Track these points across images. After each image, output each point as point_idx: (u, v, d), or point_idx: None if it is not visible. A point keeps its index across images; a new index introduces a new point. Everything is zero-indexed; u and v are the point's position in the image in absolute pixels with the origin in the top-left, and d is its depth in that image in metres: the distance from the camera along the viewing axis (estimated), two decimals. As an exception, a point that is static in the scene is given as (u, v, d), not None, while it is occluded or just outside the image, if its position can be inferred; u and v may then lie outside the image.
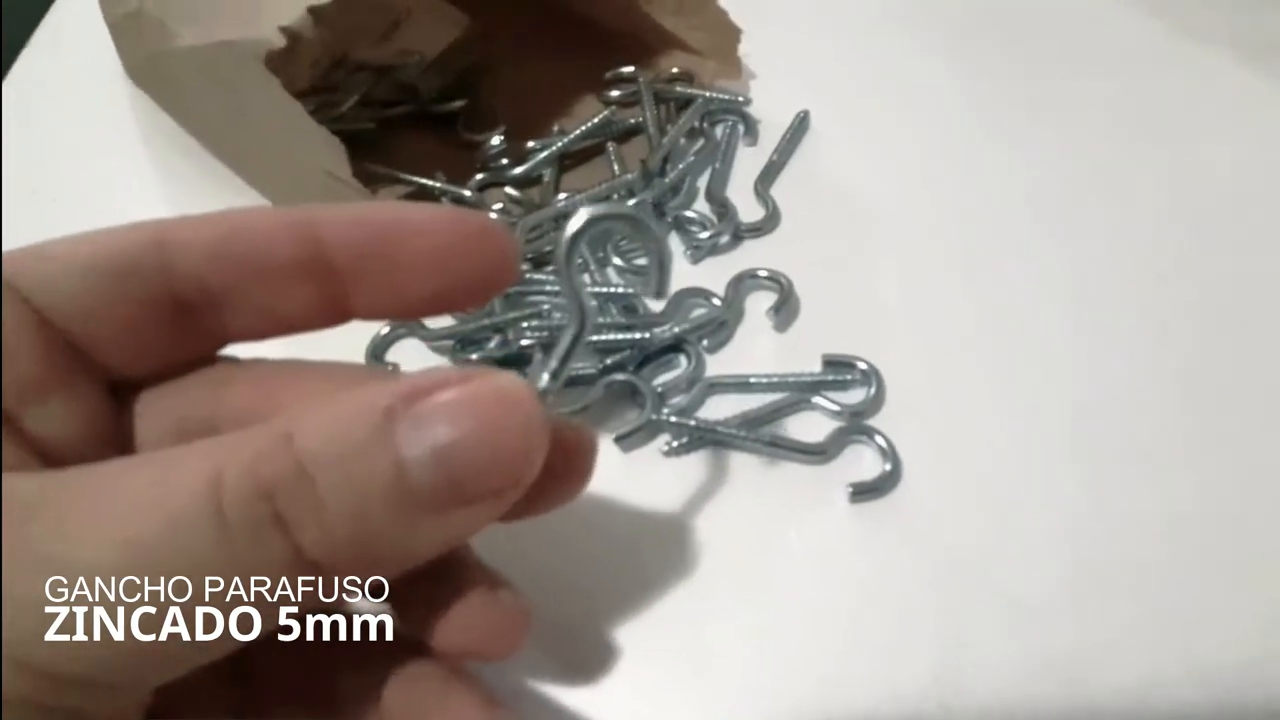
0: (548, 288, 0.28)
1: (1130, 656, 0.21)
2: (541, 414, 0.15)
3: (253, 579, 0.14)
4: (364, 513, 0.14)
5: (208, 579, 0.13)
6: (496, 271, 0.17)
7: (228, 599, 0.13)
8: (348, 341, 0.19)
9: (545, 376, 0.16)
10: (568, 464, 0.17)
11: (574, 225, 0.16)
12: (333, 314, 0.17)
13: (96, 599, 0.13)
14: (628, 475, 0.24)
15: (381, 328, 0.27)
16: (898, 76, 0.34)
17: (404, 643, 0.18)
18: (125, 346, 0.17)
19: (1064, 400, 0.26)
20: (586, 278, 0.28)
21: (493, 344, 0.26)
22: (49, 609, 0.13)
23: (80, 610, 0.13)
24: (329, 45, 0.31)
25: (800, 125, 0.32)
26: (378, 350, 0.27)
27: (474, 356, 0.26)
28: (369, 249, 0.17)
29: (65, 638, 0.13)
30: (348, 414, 0.14)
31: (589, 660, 0.22)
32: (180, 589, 0.13)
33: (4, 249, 0.16)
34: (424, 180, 0.30)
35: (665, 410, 0.25)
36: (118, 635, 0.13)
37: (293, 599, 0.14)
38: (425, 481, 0.14)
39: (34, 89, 0.35)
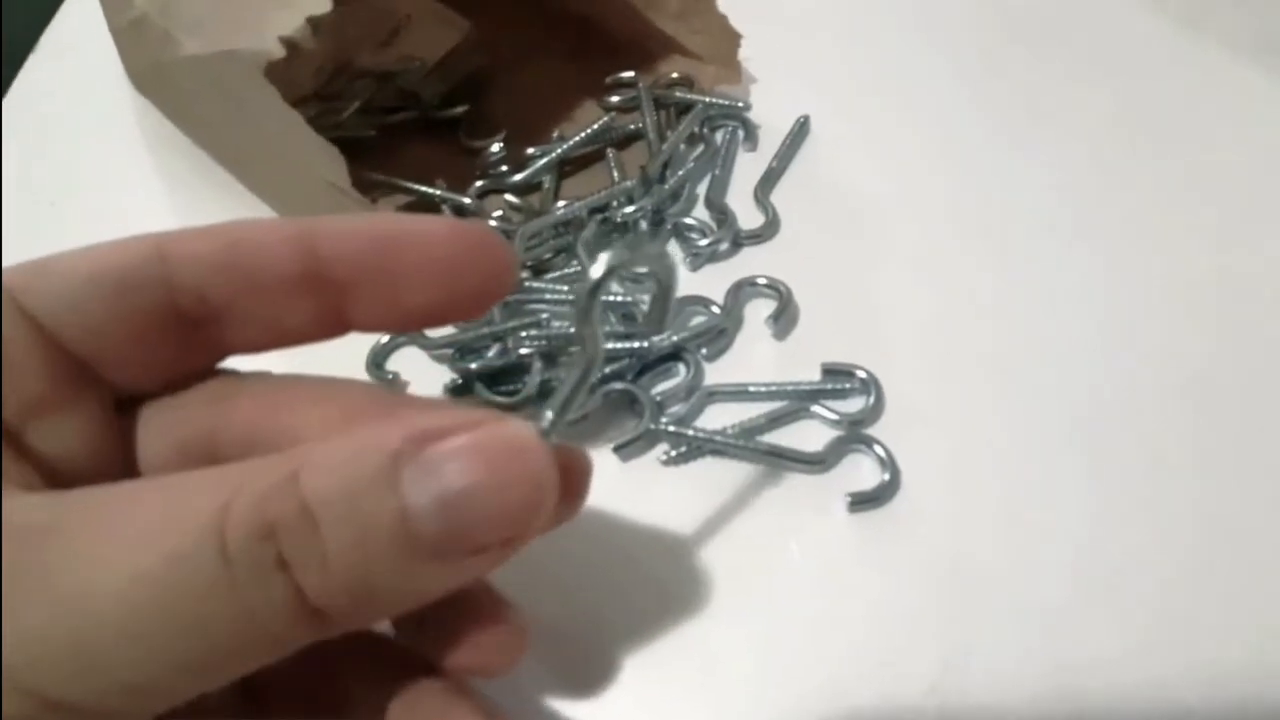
0: (547, 296, 0.28)
1: (1133, 664, 0.21)
2: (552, 464, 0.15)
3: (254, 617, 0.14)
4: (366, 558, 0.14)
5: (209, 615, 0.13)
6: (495, 282, 0.17)
7: (228, 635, 0.14)
8: (348, 349, 0.19)
9: (549, 415, 0.16)
10: (563, 487, 0.17)
11: (596, 272, 0.15)
12: (332, 326, 0.18)
13: (102, 630, 0.13)
14: (626, 485, 0.24)
15: (381, 336, 0.27)
16: (898, 81, 0.34)
17: (409, 657, 0.18)
18: (128, 361, 0.17)
19: (1065, 407, 0.25)
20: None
21: (492, 352, 0.27)
22: (54, 637, 0.13)
23: (85, 640, 0.13)
24: (331, 53, 0.31)
25: (800, 130, 0.32)
26: (378, 359, 0.27)
27: (473, 365, 0.26)
28: (368, 261, 0.17)
29: (69, 667, 0.13)
30: (355, 455, 0.14)
31: (588, 670, 0.22)
32: (183, 624, 0.13)
33: (9, 256, 0.16)
34: (424, 188, 0.30)
35: (664, 419, 0.25)
36: (121, 666, 0.13)
37: (292, 637, 0.14)
38: (430, 529, 0.14)
39: (39, 96, 0.35)
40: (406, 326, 0.23)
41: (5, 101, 0.35)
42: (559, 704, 0.22)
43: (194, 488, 0.14)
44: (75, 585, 0.13)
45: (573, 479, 0.17)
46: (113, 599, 0.13)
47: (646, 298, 0.28)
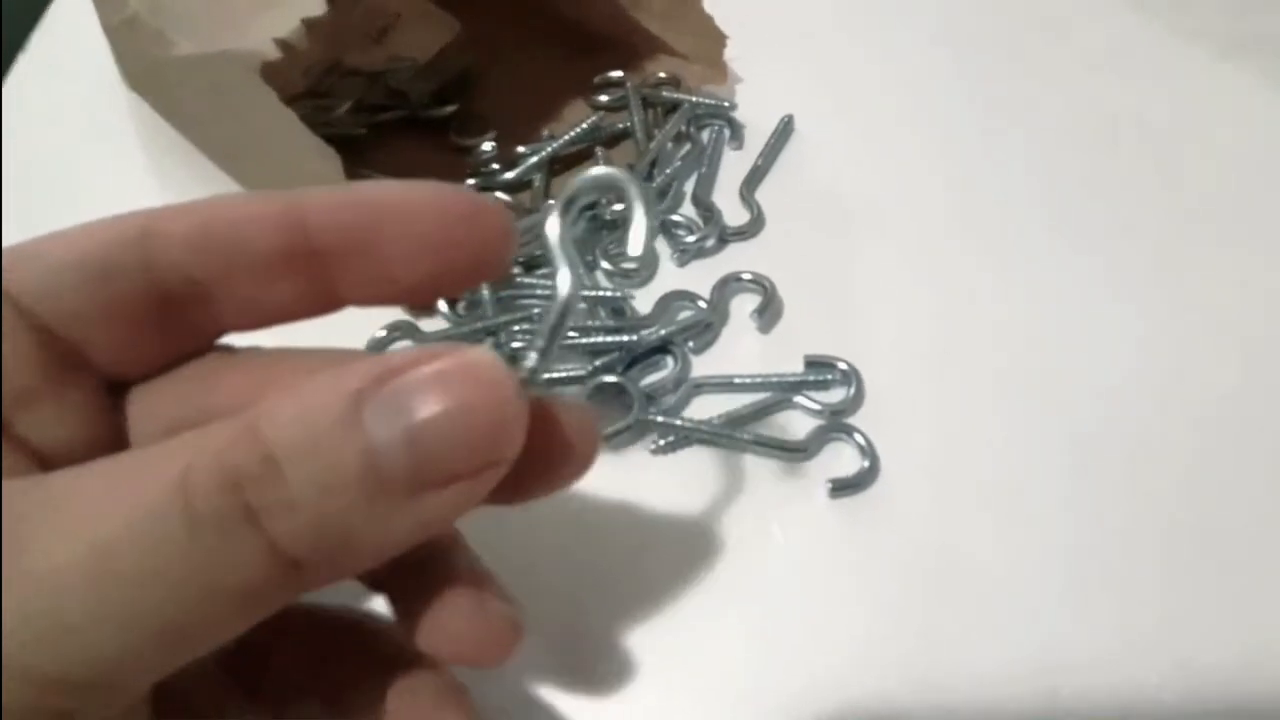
0: (539, 291, 0.28)
1: (1111, 657, 0.22)
2: (517, 388, 0.14)
3: (226, 575, 0.13)
4: (334, 500, 0.13)
5: (179, 578, 0.13)
6: (491, 251, 0.17)
7: (202, 597, 0.13)
8: (341, 343, 0.19)
9: (533, 355, 0.15)
10: (569, 444, 0.16)
11: (560, 206, 0.16)
12: (323, 302, 0.17)
13: (73, 603, 0.13)
14: (616, 473, 0.25)
15: (377, 330, 0.28)
16: (881, 80, 0.34)
17: (403, 652, 0.18)
18: (116, 345, 0.16)
19: (1045, 398, 0.26)
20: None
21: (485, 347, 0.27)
22: (36, 614, 0.13)
23: (62, 615, 0.13)
24: (321, 52, 0.32)
25: (784, 130, 0.33)
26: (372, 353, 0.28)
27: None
28: (355, 233, 0.16)
29: (53, 643, 0.13)
30: (316, 399, 0.14)
31: (574, 658, 0.22)
32: (154, 590, 0.13)
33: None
34: (416, 185, 0.31)
35: (652, 410, 0.26)
36: (98, 638, 0.13)
37: (268, 593, 0.14)
38: (397, 465, 0.13)
39: (31, 94, 0.35)
40: (400, 299, 0.22)
41: (-3, 100, 0.35)
42: (545, 691, 0.22)
43: (156, 454, 0.14)
44: (45, 561, 0.13)
45: (579, 437, 0.17)
46: (77, 570, 0.13)
47: (636, 293, 0.28)
